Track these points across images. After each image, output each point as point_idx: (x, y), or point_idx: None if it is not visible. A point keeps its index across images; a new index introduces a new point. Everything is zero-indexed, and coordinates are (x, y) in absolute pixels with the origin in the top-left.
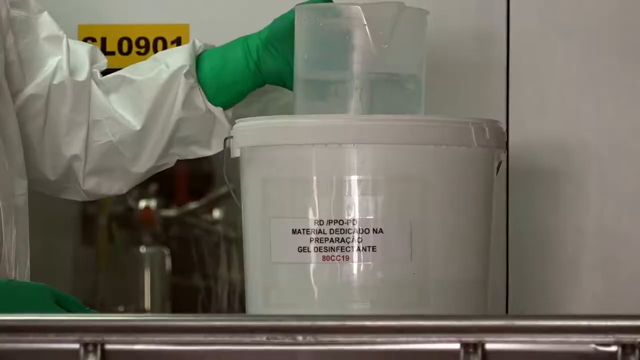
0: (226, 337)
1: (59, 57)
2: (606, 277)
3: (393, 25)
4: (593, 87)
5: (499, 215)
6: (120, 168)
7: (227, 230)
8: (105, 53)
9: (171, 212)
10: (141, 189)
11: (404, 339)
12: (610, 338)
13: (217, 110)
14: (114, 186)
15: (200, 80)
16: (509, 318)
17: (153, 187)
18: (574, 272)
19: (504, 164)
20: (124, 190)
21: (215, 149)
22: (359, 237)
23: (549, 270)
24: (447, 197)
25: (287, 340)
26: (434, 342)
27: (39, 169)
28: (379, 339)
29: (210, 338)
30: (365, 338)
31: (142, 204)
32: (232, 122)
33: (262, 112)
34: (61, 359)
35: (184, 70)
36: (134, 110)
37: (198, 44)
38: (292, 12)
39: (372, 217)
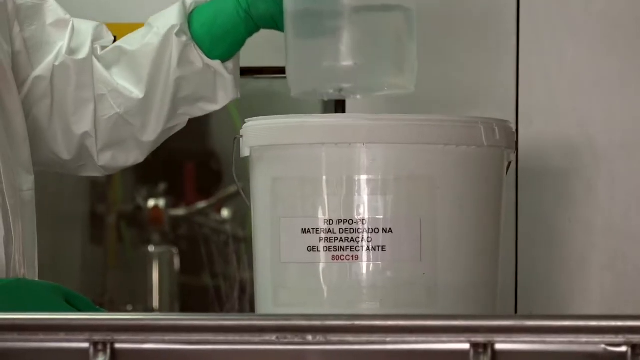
0: (236, 337)
1: (64, 40)
2: (615, 276)
3: None
4: (602, 86)
5: (508, 214)
6: (132, 138)
7: (236, 230)
8: None
9: (180, 211)
10: (150, 188)
11: (414, 338)
12: (620, 338)
13: (215, 63)
14: (130, 157)
15: (193, 37)
16: (518, 318)
17: (162, 187)
18: (583, 271)
19: (513, 164)
20: (141, 159)
21: (221, 102)
22: (368, 237)
23: (557, 270)
24: (456, 197)
25: (296, 339)
26: (443, 342)
27: (53, 150)
28: (388, 339)
29: (220, 337)
30: (375, 338)
31: (151, 203)
32: (233, 73)
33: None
34: (71, 358)
35: (175, 30)
36: (135, 79)
37: (189, 1)
38: None
39: (381, 216)
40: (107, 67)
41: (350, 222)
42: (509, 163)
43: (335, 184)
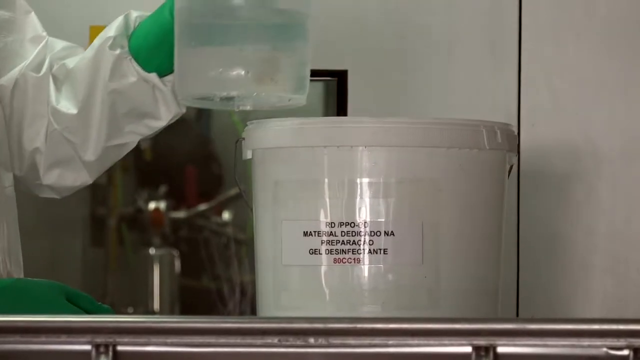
0: (238, 339)
1: (34, 54)
2: (617, 280)
3: None
4: (604, 90)
5: (510, 217)
6: (76, 157)
7: (237, 232)
8: None
9: (181, 214)
10: (151, 190)
11: (416, 341)
12: (622, 342)
13: (152, 76)
14: (77, 177)
15: (131, 50)
16: (520, 321)
17: (163, 189)
18: (585, 274)
19: (514, 167)
20: (89, 181)
21: (165, 117)
22: (370, 240)
23: (559, 273)
24: (458, 200)
25: (298, 342)
26: (445, 345)
27: (8, 165)
28: (390, 342)
29: (222, 340)
30: (377, 341)
31: (152, 205)
32: (174, 87)
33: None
34: None
35: (109, 43)
36: (72, 96)
37: (134, 14)
38: None
39: (383, 219)
40: (58, 85)
41: (352, 225)
42: (511, 166)
43: (337, 186)
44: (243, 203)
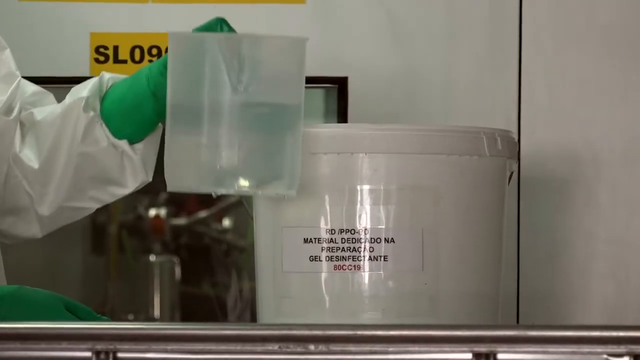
0: (238, 346)
1: (4, 96)
2: (617, 286)
3: (250, 59)
4: (604, 96)
5: (510, 224)
6: (31, 208)
7: (237, 239)
8: (118, 61)
9: (181, 221)
10: (151, 197)
11: (416, 348)
12: (622, 349)
13: (122, 143)
14: (29, 229)
15: (103, 114)
16: (521, 328)
17: (163, 196)
18: (585, 280)
19: (515, 173)
20: (39, 235)
21: (131, 186)
22: (370, 247)
23: (559, 279)
24: (459, 207)
25: (299, 349)
26: (446, 352)
27: None
28: (390, 349)
29: (222, 347)
30: (377, 347)
31: (152, 212)
32: (142, 155)
33: None
34: None
35: (82, 103)
36: (35, 148)
37: (107, 76)
38: None
39: (383, 226)
40: (23, 132)
41: (353, 232)
42: (511, 173)
43: (338, 193)
44: (243, 210)
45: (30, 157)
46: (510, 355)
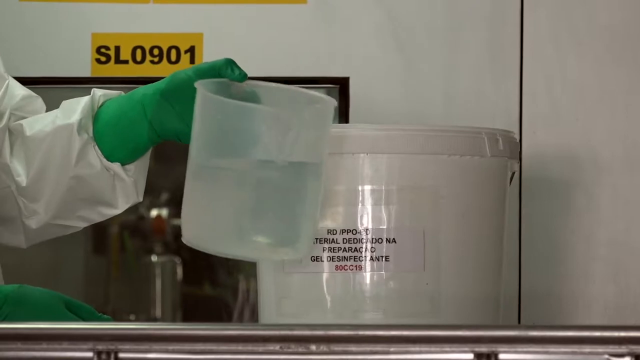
0: (239, 346)
1: None
2: (617, 288)
3: (290, 128)
4: (605, 98)
5: (511, 224)
6: (18, 219)
7: None
8: (119, 62)
9: None
10: (153, 198)
11: (417, 348)
12: (623, 349)
13: (115, 166)
14: (13, 239)
15: (95, 135)
16: (522, 328)
17: (164, 196)
18: (586, 282)
19: (516, 174)
20: (23, 246)
21: (122, 207)
22: (371, 247)
23: (560, 281)
24: (460, 207)
25: (300, 349)
26: (447, 352)
27: None
28: (392, 349)
29: (223, 347)
30: (378, 348)
31: (154, 212)
32: (134, 176)
33: None
34: None
35: (75, 126)
36: (24, 164)
37: (98, 93)
38: (190, 69)
39: (384, 226)
40: (12, 141)
41: (354, 232)
42: (513, 174)
43: (339, 194)
44: None
45: (19, 171)
46: (511, 356)
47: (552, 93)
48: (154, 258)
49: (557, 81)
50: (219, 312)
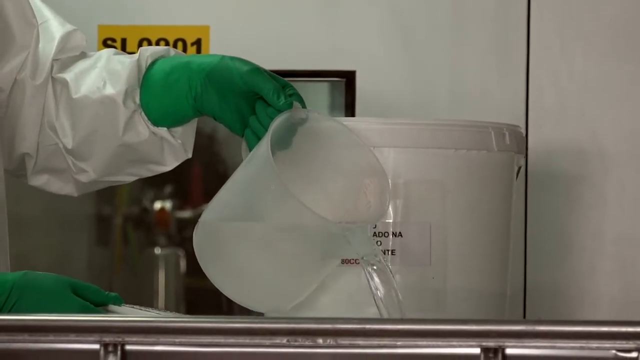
0: (246, 339)
1: (29, 49)
2: (624, 283)
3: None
4: (612, 92)
5: (517, 219)
6: (69, 171)
7: None
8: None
9: (186, 214)
10: (156, 190)
11: (424, 342)
12: (630, 344)
13: (162, 131)
14: (64, 188)
15: (142, 103)
16: (529, 323)
17: (168, 189)
18: (592, 277)
19: (522, 169)
20: (74, 194)
21: (170, 165)
22: (378, 241)
23: (566, 275)
24: (466, 202)
25: (307, 342)
26: (454, 346)
27: None
28: (399, 343)
29: (230, 340)
30: (385, 341)
31: (157, 205)
32: (182, 137)
33: None
34: (81, 359)
35: (121, 97)
36: (71, 128)
37: (145, 54)
38: (238, 67)
39: (391, 220)
40: (57, 98)
41: None
42: (519, 168)
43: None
44: None
45: (65, 132)
46: (518, 350)
47: (559, 87)
48: (157, 250)
49: (563, 76)
50: (221, 304)
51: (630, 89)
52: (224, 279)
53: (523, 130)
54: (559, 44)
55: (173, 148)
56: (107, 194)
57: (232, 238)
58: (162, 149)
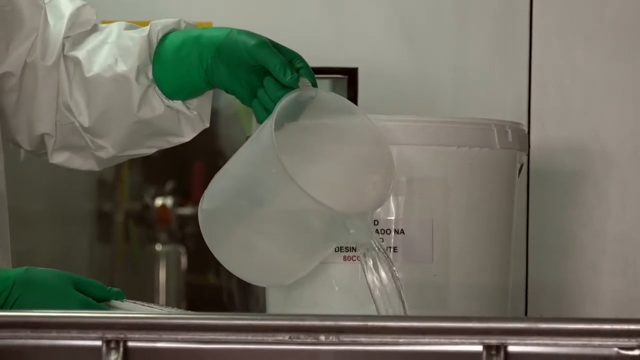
0: (249, 336)
1: (37, 32)
2: (626, 282)
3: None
4: (614, 90)
5: (519, 217)
6: (88, 148)
7: None
8: None
9: (187, 210)
10: (157, 186)
11: (427, 340)
12: (633, 342)
13: (177, 104)
14: (85, 164)
15: (155, 78)
16: (532, 320)
17: (169, 185)
18: (594, 275)
19: (524, 166)
20: (96, 169)
21: (188, 136)
22: (380, 238)
23: (568, 273)
24: (469, 199)
25: (309, 340)
26: (456, 343)
27: (16, 139)
28: (401, 340)
29: (232, 337)
30: (387, 339)
31: (159, 201)
32: (198, 109)
33: None
34: (83, 356)
35: (134, 75)
36: (86, 107)
37: (156, 28)
38: (245, 42)
39: (393, 217)
40: (70, 77)
41: None
42: (521, 165)
43: None
44: None
45: (81, 111)
46: (520, 347)
47: (561, 86)
48: (158, 247)
49: (566, 74)
50: (223, 301)
51: (634, 88)
52: (228, 256)
53: (525, 128)
54: (561, 42)
55: (189, 120)
56: (108, 191)
57: (234, 219)
58: (179, 122)
